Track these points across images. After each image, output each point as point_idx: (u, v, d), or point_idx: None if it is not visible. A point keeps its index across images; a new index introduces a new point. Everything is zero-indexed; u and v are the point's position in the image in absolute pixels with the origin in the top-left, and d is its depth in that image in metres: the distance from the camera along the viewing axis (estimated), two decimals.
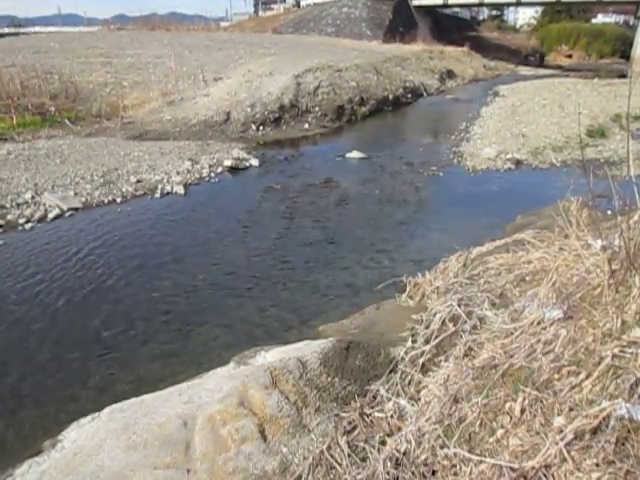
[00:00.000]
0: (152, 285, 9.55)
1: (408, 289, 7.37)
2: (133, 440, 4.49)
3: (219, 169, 17.74)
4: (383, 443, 4.37)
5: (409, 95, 29.86)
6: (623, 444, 3.10)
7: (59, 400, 5.99)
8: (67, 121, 22.00)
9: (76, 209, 12.97)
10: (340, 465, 4.20)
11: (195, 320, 8.45)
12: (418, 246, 10.89)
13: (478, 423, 3.83)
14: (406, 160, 18.34)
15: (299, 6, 68.71)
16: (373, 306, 7.51)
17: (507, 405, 3.88)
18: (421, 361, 5.47)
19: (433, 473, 3.73)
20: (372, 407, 4.98)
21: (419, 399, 4.86)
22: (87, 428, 4.93)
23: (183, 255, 10.91)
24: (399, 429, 4.45)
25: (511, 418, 3.69)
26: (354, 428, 4.64)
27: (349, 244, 11.29)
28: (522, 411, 3.74)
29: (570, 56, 72.36)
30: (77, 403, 5.96)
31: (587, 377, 3.55)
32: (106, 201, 14.14)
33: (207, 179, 16.71)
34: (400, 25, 53.80)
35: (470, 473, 3.49)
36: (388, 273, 9.09)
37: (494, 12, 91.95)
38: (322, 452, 4.32)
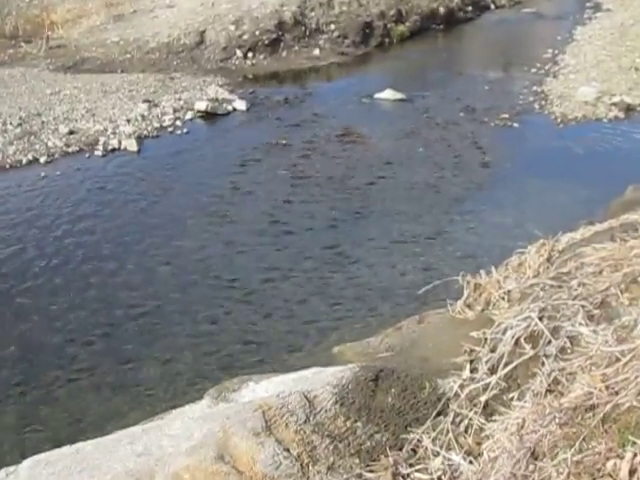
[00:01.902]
0: (88, 291, 9.80)
1: (466, 294, 7.35)
2: None
3: (188, 115, 17.72)
4: None
5: (469, 8, 29.34)
6: None
7: None
8: None
9: None
10: None
11: (153, 338, 8.69)
12: (480, 231, 11.02)
13: None
14: (464, 104, 18.43)
15: None
16: (413, 318, 7.68)
17: (610, 464, 3.91)
18: (483, 399, 5.51)
19: None
20: (411, 465, 5.05)
21: (480, 454, 4.93)
22: None
23: (135, 247, 11.21)
24: None
25: None
26: None
27: (378, 228, 11.47)
28: (632, 472, 3.78)
29: None
30: None
31: None
32: (24, 161, 14.31)
33: (171, 130, 16.84)
34: None
35: None
36: (436, 270, 9.35)
37: None
38: None
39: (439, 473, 4.93)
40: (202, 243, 11.45)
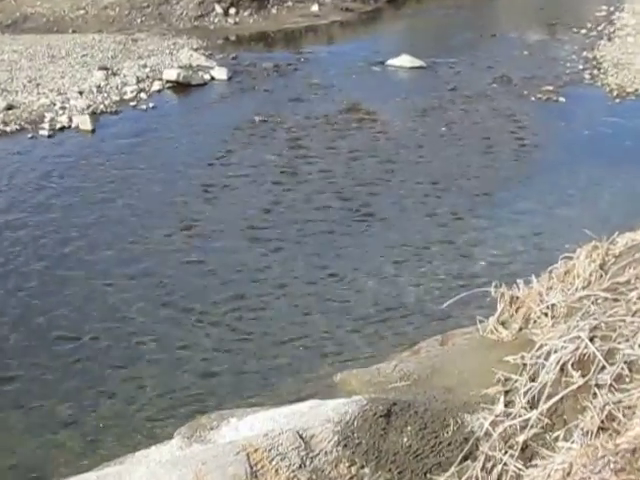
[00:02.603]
0: (30, 307, 9.84)
1: (500, 309, 7.33)
2: None
3: (155, 86, 17.67)
4: None
5: None
6: None
7: None
8: None
9: None
10: None
11: (109, 365, 8.64)
12: (517, 232, 10.96)
13: None
14: (497, 73, 18.35)
15: None
16: (434, 339, 7.76)
17: None
18: (521, 439, 5.49)
19: None
20: None
21: None
22: None
23: (85, 259, 11.18)
24: None
25: None
26: None
27: (390, 229, 11.38)
28: None
29: None
30: None
31: None
32: None
33: (134, 104, 16.79)
34: None
35: None
36: (462, 280, 9.43)
37: None
38: None
39: None
40: (169, 252, 11.38)
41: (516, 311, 7.26)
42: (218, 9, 22.61)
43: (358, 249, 11.21)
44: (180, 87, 17.58)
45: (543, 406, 5.66)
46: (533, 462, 5.33)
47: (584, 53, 19.52)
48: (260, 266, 10.76)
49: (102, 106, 16.47)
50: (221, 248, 11.20)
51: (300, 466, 5.49)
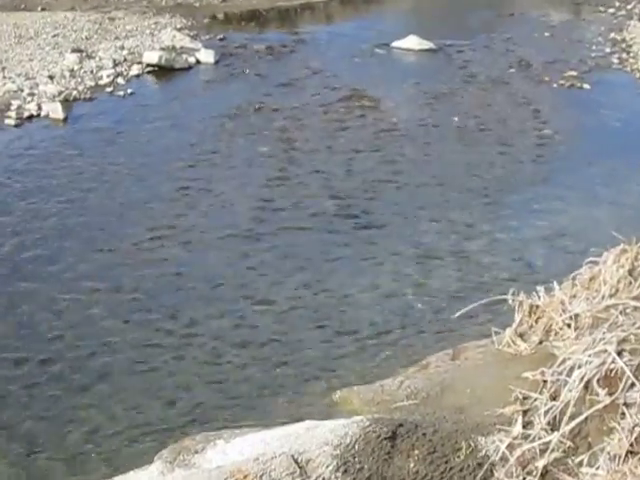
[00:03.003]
0: None
1: (518, 319, 7.42)
2: None
3: (134, 70, 17.67)
4: None
5: None
6: None
7: None
8: None
9: None
10: None
11: (81, 381, 8.65)
12: (536, 234, 10.97)
13: None
14: (516, 56, 18.34)
15: None
16: (445, 353, 7.81)
17: None
18: (541, 464, 5.52)
19: None
20: None
21: None
22: None
23: (54, 262, 11.06)
24: None
25: None
26: None
27: (396, 230, 11.38)
28: None
29: None
30: None
31: None
32: None
33: (110, 90, 16.78)
34: None
35: None
36: (475, 287, 9.46)
37: None
38: None
39: None
40: (142, 263, 11.25)
41: (536, 322, 7.31)
42: None
43: (358, 256, 11.15)
44: (162, 71, 17.52)
45: (565, 427, 5.64)
46: None
47: (612, 35, 19.48)
48: (247, 278, 10.66)
49: (75, 92, 16.39)
50: (202, 259, 11.10)
51: None
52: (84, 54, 18.06)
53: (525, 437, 5.84)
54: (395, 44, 19.32)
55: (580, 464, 5.48)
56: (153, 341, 9.63)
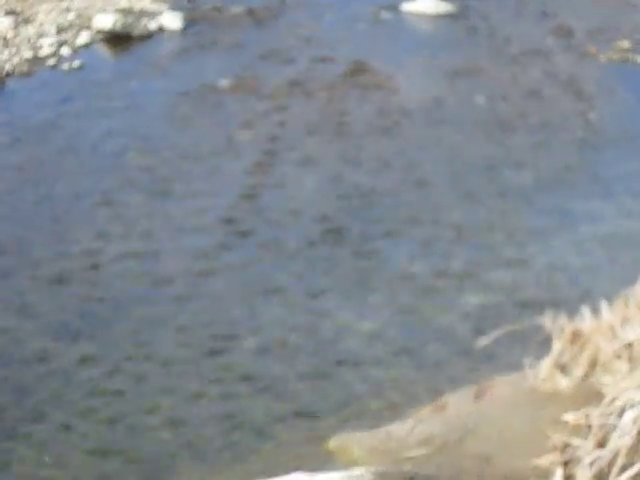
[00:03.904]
0: None
1: (557, 349, 7.39)
2: None
3: (83, 38, 17.07)
4: None
5: None
6: None
7: None
8: None
9: None
10: None
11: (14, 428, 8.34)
12: (580, 241, 10.72)
13: None
14: (554, 22, 17.88)
15: None
16: (466, 390, 7.77)
17: None
18: None
19: None
20: None
21: None
22: None
23: None
24: None
25: None
26: None
27: (406, 239, 11.09)
28: None
29: None
30: None
31: None
32: None
33: (52, 63, 16.12)
34: None
35: None
36: (504, 308, 9.23)
37: None
38: None
39: None
40: (97, 279, 10.60)
41: (579, 351, 7.21)
42: None
43: (356, 275, 10.70)
44: (117, 39, 16.62)
45: None
46: None
47: None
48: (217, 298, 10.22)
49: (8, 66, 15.45)
50: (156, 279, 10.53)
51: None
52: (20, 18, 17.19)
53: None
54: (406, 7, 18.31)
55: None
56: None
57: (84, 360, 9.38)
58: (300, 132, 13.85)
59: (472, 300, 10.02)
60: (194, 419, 8.57)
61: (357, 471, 6.11)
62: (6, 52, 15.83)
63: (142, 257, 10.97)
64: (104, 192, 12.31)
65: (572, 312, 7.54)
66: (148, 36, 17.13)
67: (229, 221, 11.71)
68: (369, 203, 12.19)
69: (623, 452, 5.56)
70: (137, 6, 17.94)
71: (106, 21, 17.07)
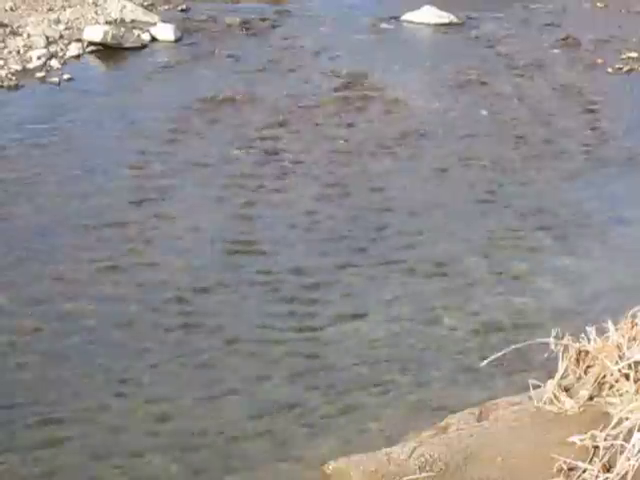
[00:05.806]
0: None
1: (562, 369, 7.26)
2: None
3: (73, 50, 16.65)
4: None
5: None
6: None
7: None
8: None
9: None
10: None
11: None
12: (586, 258, 10.64)
13: None
14: (560, 33, 17.82)
15: None
16: (469, 412, 7.75)
17: None
18: None
19: None
20: None
21: None
22: None
23: None
24: None
25: None
26: None
27: (407, 255, 10.84)
28: None
29: None
30: None
31: None
32: None
33: (41, 76, 15.67)
34: None
35: None
36: (508, 327, 9.37)
37: None
38: None
39: None
40: (86, 307, 9.97)
41: (585, 372, 7.38)
42: None
43: (357, 288, 10.46)
44: (108, 51, 16.69)
45: None
46: None
47: None
48: (213, 317, 9.69)
49: None
50: (146, 300, 9.95)
51: None
52: (8, 29, 17.14)
53: None
54: (407, 17, 18.91)
55: None
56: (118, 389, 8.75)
57: None
58: (297, 146, 13.64)
59: (476, 310, 10.00)
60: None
61: None
62: None
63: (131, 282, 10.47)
64: (96, 207, 12.06)
65: (576, 330, 7.49)
66: (140, 47, 17.20)
67: (233, 232, 11.52)
68: (379, 221, 11.85)
69: (630, 475, 5.71)
70: (129, 17, 18.54)
71: (97, 32, 17.22)
